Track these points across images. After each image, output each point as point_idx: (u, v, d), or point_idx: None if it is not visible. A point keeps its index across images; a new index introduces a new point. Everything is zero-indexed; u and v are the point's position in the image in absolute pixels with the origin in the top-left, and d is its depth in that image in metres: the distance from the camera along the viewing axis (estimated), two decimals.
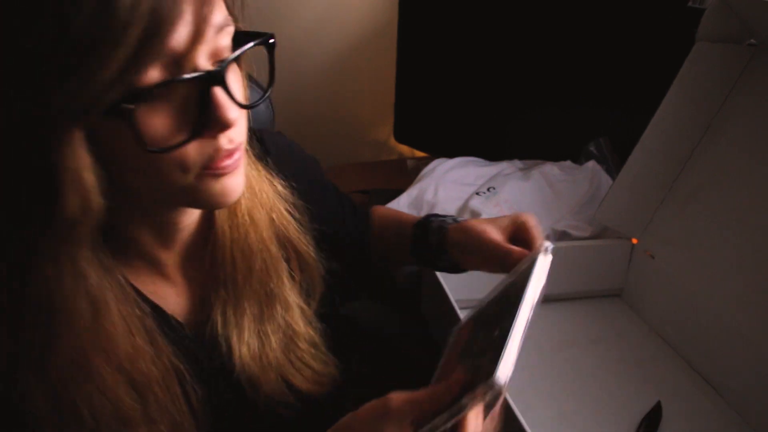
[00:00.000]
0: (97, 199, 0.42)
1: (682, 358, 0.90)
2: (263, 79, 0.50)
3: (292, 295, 0.61)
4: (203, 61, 0.42)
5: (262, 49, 0.48)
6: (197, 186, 0.46)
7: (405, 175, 1.30)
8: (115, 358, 0.47)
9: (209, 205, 0.49)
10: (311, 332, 0.63)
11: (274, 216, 0.60)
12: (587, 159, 1.17)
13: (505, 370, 0.43)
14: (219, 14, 0.42)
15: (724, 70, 0.88)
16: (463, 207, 1.05)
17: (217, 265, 0.57)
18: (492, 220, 0.66)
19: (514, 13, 1.20)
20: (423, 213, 1.06)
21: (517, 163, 1.21)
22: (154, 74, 0.40)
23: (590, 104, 1.18)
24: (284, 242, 0.61)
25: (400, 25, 1.33)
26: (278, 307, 0.60)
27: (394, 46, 1.36)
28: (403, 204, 1.10)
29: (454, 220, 0.72)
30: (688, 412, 0.80)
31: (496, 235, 0.64)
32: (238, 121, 0.46)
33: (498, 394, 0.43)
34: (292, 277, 0.63)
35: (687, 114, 0.90)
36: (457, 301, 0.81)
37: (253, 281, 0.58)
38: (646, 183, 0.96)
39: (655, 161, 0.94)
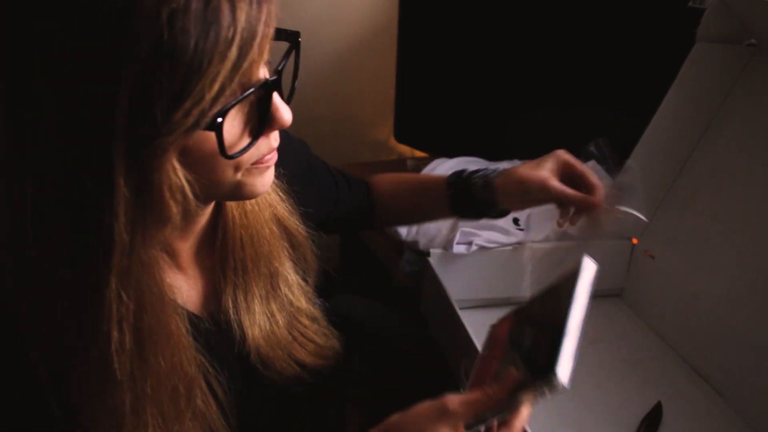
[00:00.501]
0: (193, 203, 0.44)
1: (682, 358, 0.90)
2: None
3: (291, 272, 0.64)
4: (262, 69, 0.45)
5: None
6: (243, 181, 0.48)
7: None
8: (168, 360, 0.48)
9: (248, 196, 0.51)
10: (311, 308, 0.66)
11: (268, 198, 0.62)
12: (587, 159, 1.16)
13: (564, 367, 0.46)
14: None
15: (724, 70, 0.88)
16: None
17: (228, 250, 0.58)
18: (538, 165, 0.71)
19: (514, 13, 1.20)
20: None
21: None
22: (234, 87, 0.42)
23: (590, 104, 1.18)
24: (277, 223, 0.63)
25: (400, 25, 1.33)
26: (282, 286, 0.62)
27: (394, 46, 1.36)
28: None
29: (494, 172, 0.75)
30: (688, 412, 0.80)
31: (555, 181, 0.69)
32: None
33: (559, 390, 0.46)
34: (288, 256, 0.65)
35: (687, 114, 0.90)
36: (457, 301, 0.81)
37: (261, 264, 0.60)
38: (646, 183, 0.96)
39: (655, 161, 0.94)
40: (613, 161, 1.16)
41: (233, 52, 0.39)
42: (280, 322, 0.61)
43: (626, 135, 0.96)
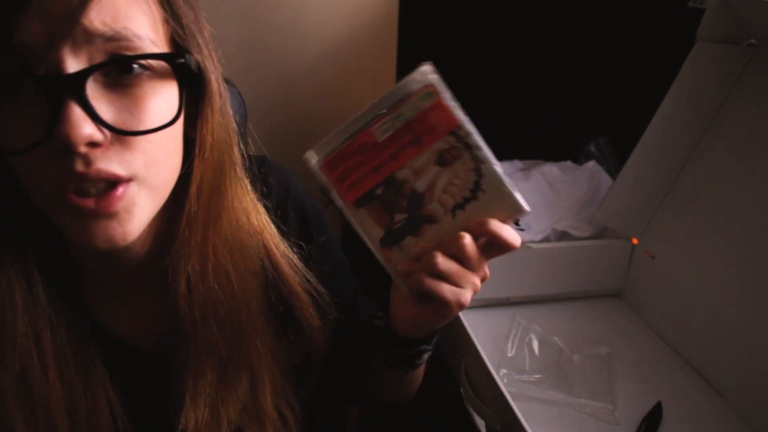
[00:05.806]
0: None
1: (682, 358, 0.90)
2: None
3: (266, 364, 0.53)
4: (72, 63, 0.37)
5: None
6: (61, 217, 0.41)
7: None
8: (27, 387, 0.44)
9: (78, 243, 0.41)
10: (285, 412, 0.55)
11: (265, 264, 0.52)
12: (587, 159, 1.16)
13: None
14: (110, 22, 0.38)
15: (724, 70, 0.88)
16: None
17: (187, 304, 0.49)
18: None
19: (514, 14, 1.20)
20: None
21: (517, 163, 1.21)
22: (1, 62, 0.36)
23: (590, 105, 1.18)
24: (277, 297, 0.53)
25: (401, 24, 1.33)
26: (243, 378, 0.51)
27: (394, 46, 1.36)
28: None
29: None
30: (688, 412, 0.80)
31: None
32: (112, 145, 0.39)
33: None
34: (280, 340, 0.54)
35: (687, 114, 0.90)
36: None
37: (222, 339, 0.50)
38: (646, 183, 0.96)
39: (655, 161, 0.94)
40: (613, 161, 1.16)
41: None
42: (231, 414, 0.51)
43: (626, 135, 0.96)
